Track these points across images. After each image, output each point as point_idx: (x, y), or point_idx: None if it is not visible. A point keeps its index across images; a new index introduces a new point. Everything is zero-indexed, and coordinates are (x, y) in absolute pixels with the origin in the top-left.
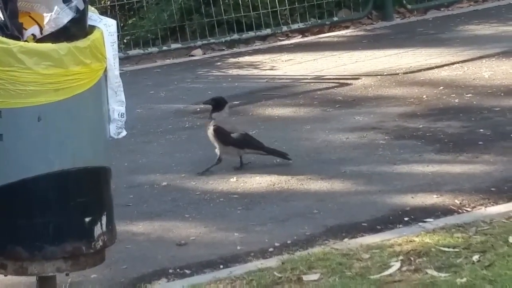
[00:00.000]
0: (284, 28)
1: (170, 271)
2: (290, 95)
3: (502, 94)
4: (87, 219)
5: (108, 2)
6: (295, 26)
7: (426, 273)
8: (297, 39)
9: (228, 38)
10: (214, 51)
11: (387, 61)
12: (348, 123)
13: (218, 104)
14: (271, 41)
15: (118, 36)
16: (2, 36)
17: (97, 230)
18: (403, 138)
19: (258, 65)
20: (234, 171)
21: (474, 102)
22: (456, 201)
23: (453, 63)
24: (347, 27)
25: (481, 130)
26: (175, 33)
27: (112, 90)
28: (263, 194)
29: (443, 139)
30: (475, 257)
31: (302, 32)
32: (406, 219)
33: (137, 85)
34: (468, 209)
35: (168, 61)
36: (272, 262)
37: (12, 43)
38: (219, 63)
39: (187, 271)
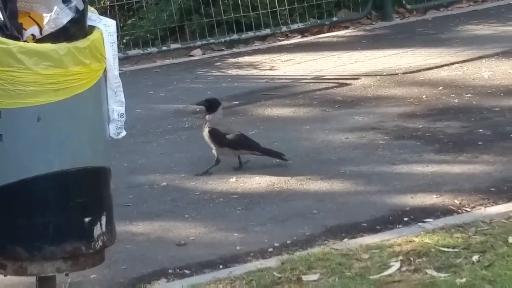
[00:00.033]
0: (284, 28)
1: (170, 271)
2: (289, 95)
3: (501, 94)
4: (86, 219)
5: (108, 2)
6: (294, 26)
7: (426, 273)
8: (297, 39)
9: (227, 38)
10: (213, 51)
11: (387, 61)
12: (347, 123)
13: (211, 105)
14: (271, 41)
15: (117, 36)
16: (2, 37)
17: (97, 230)
18: (403, 138)
19: (258, 65)
20: (233, 171)
21: (474, 102)
22: (455, 201)
23: (452, 63)
24: (346, 27)
25: (481, 130)
26: (175, 33)
27: (111, 90)
28: (262, 194)
29: (442, 139)
30: (475, 257)
31: (302, 32)
32: (405, 219)
33: (137, 85)
34: (468, 209)
35: (167, 61)
36: (272, 262)
37: (12, 44)
38: (218, 63)
39: (187, 271)
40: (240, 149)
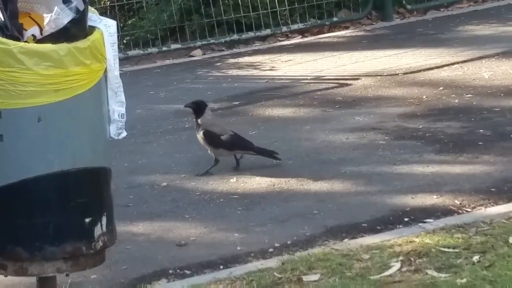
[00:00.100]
0: (284, 29)
1: (170, 271)
2: (290, 95)
3: (502, 94)
4: (87, 220)
5: (108, 3)
6: (294, 27)
7: (426, 273)
8: (297, 40)
9: (227, 39)
10: (213, 52)
11: (387, 62)
12: (348, 123)
13: (198, 107)
14: (271, 41)
15: (118, 36)
16: (2, 37)
17: (97, 231)
18: (403, 138)
19: (258, 65)
20: (233, 171)
21: (474, 103)
22: (456, 201)
23: (452, 64)
24: (346, 28)
25: (481, 130)
26: (175, 33)
27: (112, 91)
28: (263, 195)
29: (443, 140)
30: (475, 258)
31: (302, 32)
32: (406, 219)
33: (137, 85)
34: (468, 209)
35: (168, 62)
36: (272, 262)
37: (12, 44)
38: (218, 64)
39: (187, 272)
40: (235, 149)
